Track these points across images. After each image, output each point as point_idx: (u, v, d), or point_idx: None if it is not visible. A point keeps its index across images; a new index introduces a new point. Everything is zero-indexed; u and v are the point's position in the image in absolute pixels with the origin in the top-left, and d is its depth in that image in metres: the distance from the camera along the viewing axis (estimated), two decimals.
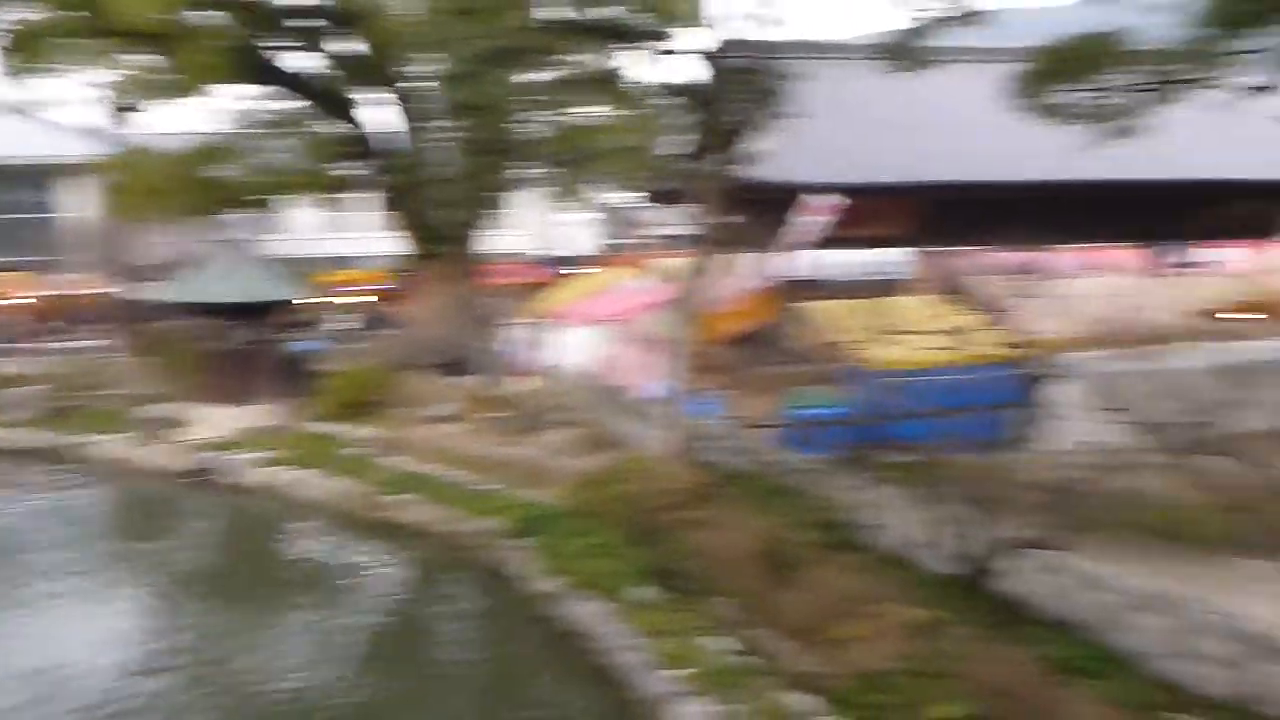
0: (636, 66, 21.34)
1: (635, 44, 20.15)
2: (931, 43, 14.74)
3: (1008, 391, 15.89)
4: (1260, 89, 14.54)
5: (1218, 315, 18.65)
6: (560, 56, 21.07)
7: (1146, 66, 13.90)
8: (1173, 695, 8.81)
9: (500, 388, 21.28)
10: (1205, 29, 13.40)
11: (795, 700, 9.65)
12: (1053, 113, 14.51)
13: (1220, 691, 8.63)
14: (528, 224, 38.53)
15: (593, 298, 23.99)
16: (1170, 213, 22.58)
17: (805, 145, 19.22)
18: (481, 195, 23.91)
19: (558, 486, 16.59)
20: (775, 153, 17.81)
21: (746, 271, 19.39)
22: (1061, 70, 14.19)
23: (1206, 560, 10.08)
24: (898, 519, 12.42)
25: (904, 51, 14.88)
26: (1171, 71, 13.89)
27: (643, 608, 12.07)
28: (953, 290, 18.71)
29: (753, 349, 18.44)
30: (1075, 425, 14.37)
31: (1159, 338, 15.38)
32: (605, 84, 21.55)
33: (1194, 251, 24.35)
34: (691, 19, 19.02)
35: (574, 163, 22.33)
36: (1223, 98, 14.66)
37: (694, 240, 16.45)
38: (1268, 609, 8.81)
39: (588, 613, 12.53)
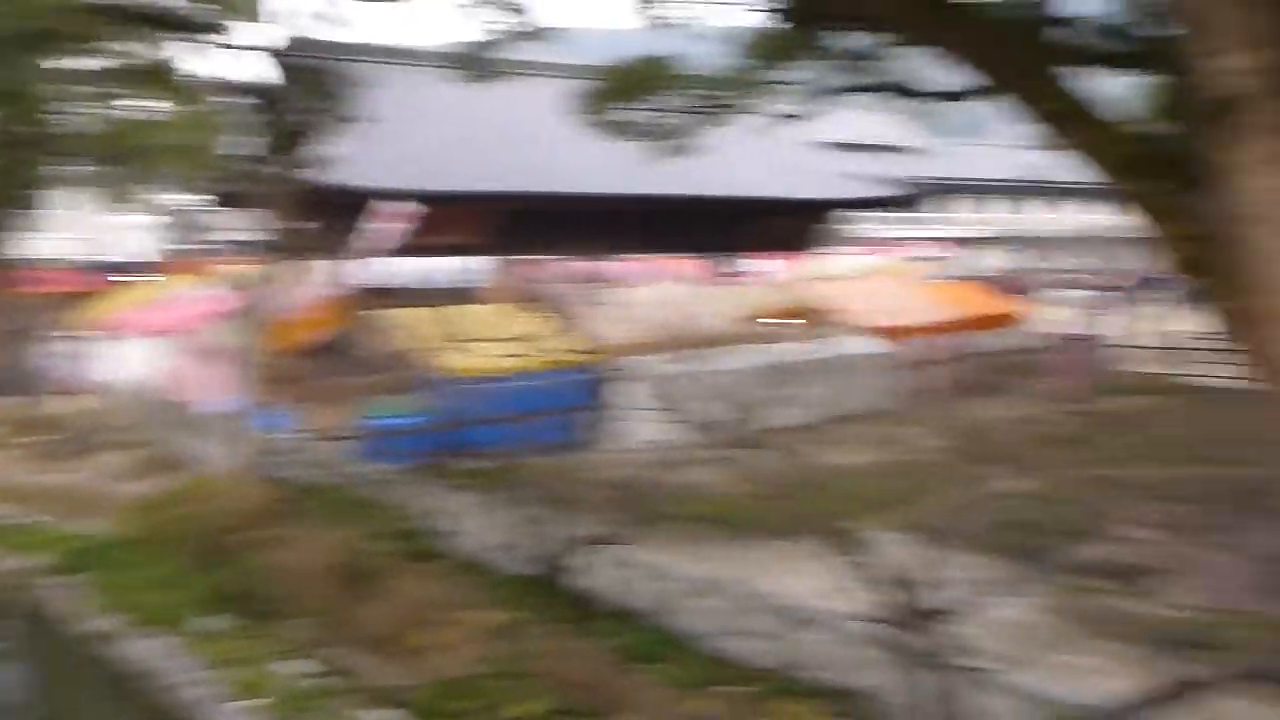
0: (194, 60, 20.07)
1: (190, 35, 18.91)
2: (503, 55, 15.03)
3: (578, 395, 16.57)
4: (792, 117, 16.16)
5: (761, 321, 20.45)
6: (105, 44, 19.32)
7: (698, 90, 15.00)
8: (726, 670, 9.53)
9: (43, 407, 19.17)
10: (747, 60, 14.70)
11: (376, 716, 9.47)
12: (616, 129, 15.28)
13: (766, 662, 9.45)
14: (74, 227, 35.02)
15: (151, 307, 22.24)
16: (722, 226, 24.60)
17: (379, 151, 18.97)
18: (12, 194, 21.37)
19: (113, 514, 15.20)
20: (348, 157, 17.42)
21: (319, 279, 18.80)
22: (623, 89, 14.95)
23: (752, 545, 11.06)
24: (476, 524, 12.55)
25: (476, 62, 15.07)
26: (719, 96, 15.08)
27: (211, 638, 11.34)
28: (527, 298, 19.22)
29: (326, 359, 17.89)
30: (639, 425, 15.26)
31: (711, 342, 16.67)
32: (157, 77, 20.02)
33: (742, 262, 26.70)
34: (251, 13, 18.14)
35: (124, 161, 20.55)
36: (763, 123, 16.15)
37: (262, 246, 15.70)
38: (800, 585, 9.80)
39: (149, 649, 11.57)
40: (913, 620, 6.89)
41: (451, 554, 12.50)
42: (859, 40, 14.36)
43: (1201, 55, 9.39)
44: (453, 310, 17.12)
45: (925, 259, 37.34)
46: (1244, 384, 11.22)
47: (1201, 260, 10.39)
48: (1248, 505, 9.82)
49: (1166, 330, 26.56)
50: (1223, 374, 17.40)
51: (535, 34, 15.05)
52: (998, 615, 8.13)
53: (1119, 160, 11.02)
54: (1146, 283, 33.97)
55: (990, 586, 7.32)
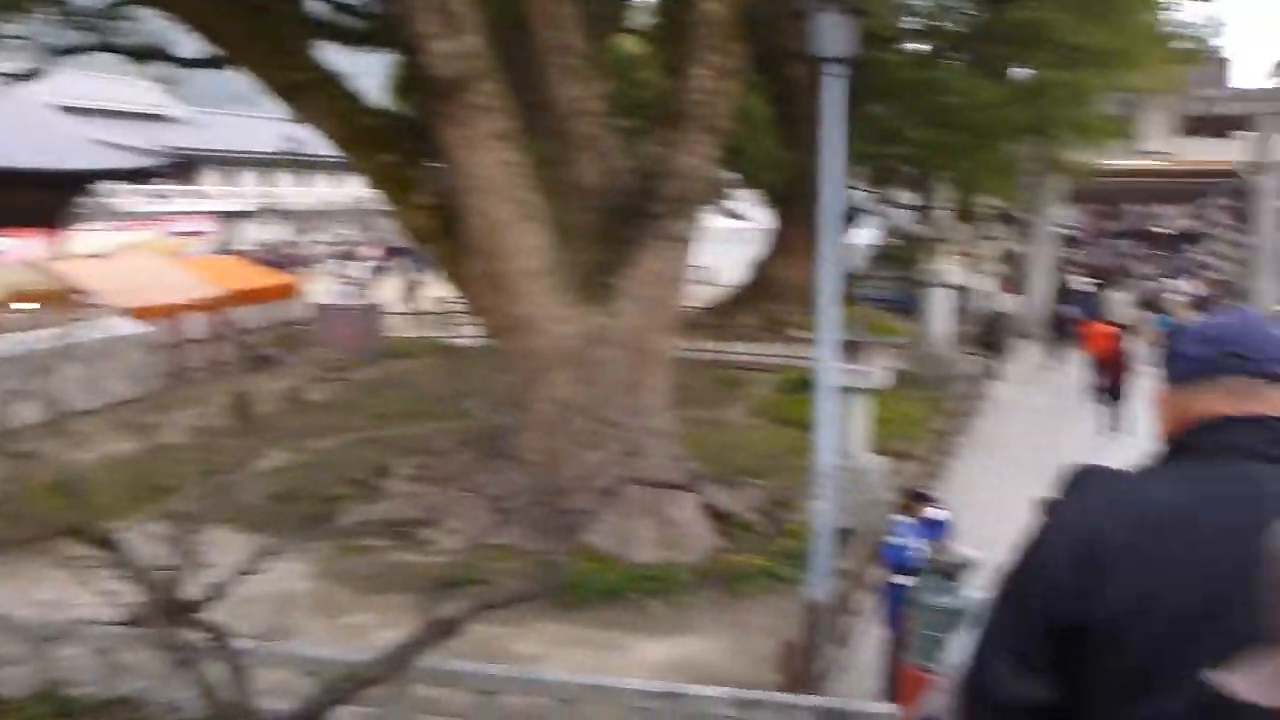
0: None
1: None
2: None
3: None
4: (25, 76, 14.55)
5: (5, 306, 18.25)
6: None
7: None
8: None
9: None
10: None
11: None
12: None
13: (25, 689, 8.50)
14: None
15: None
16: None
17: None
18: None
19: None
20: None
21: None
22: None
23: None
24: None
25: None
26: None
27: None
28: None
29: None
30: None
31: None
32: None
33: None
34: None
35: None
36: None
37: None
38: (49, 597, 8.89)
39: None
40: (174, 612, 6.59)
41: None
42: None
43: (425, 38, 10.16)
44: None
45: (185, 233, 36.11)
46: (482, 342, 12.46)
47: (434, 229, 11.31)
48: (487, 451, 10.93)
49: (423, 295, 28.68)
50: (469, 334, 19.16)
51: None
52: (268, 589, 8.12)
53: (353, 133, 11.58)
54: (400, 252, 36.21)
55: (259, 561, 7.25)
